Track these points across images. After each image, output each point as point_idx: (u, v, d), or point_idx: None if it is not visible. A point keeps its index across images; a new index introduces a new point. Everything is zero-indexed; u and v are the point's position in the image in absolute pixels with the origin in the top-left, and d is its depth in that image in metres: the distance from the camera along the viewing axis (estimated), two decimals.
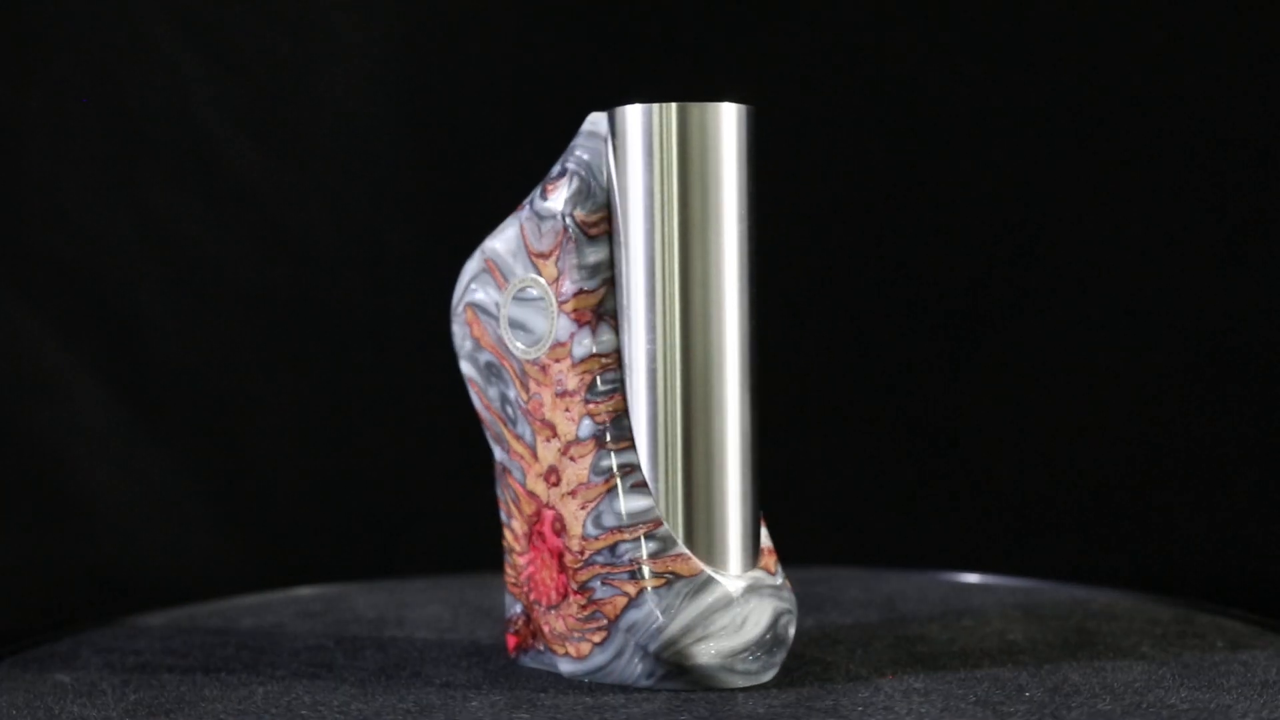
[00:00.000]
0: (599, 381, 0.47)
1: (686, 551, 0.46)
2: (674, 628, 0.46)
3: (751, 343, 0.47)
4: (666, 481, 0.46)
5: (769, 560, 0.47)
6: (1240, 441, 0.76)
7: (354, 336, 0.78)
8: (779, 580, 0.47)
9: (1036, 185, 0.77)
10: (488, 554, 0.71)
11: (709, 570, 0.46)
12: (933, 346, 0.78)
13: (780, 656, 0.47)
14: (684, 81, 0.76)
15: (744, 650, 0.46)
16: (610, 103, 0.47)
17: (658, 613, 0.46)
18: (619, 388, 0.47)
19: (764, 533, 0.47)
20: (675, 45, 0.78)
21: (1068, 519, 0.77)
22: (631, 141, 0.46)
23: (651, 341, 0.46)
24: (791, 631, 0.47)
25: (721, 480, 0.46)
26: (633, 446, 0.46)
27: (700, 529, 0.46)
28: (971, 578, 0.65)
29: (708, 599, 0.46)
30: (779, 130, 0.78)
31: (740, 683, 0.46)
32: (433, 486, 0.78)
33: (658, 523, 0.46)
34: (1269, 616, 0.55)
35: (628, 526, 0.46)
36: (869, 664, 0.50)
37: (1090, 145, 0.77)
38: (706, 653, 0.46)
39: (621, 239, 0.46)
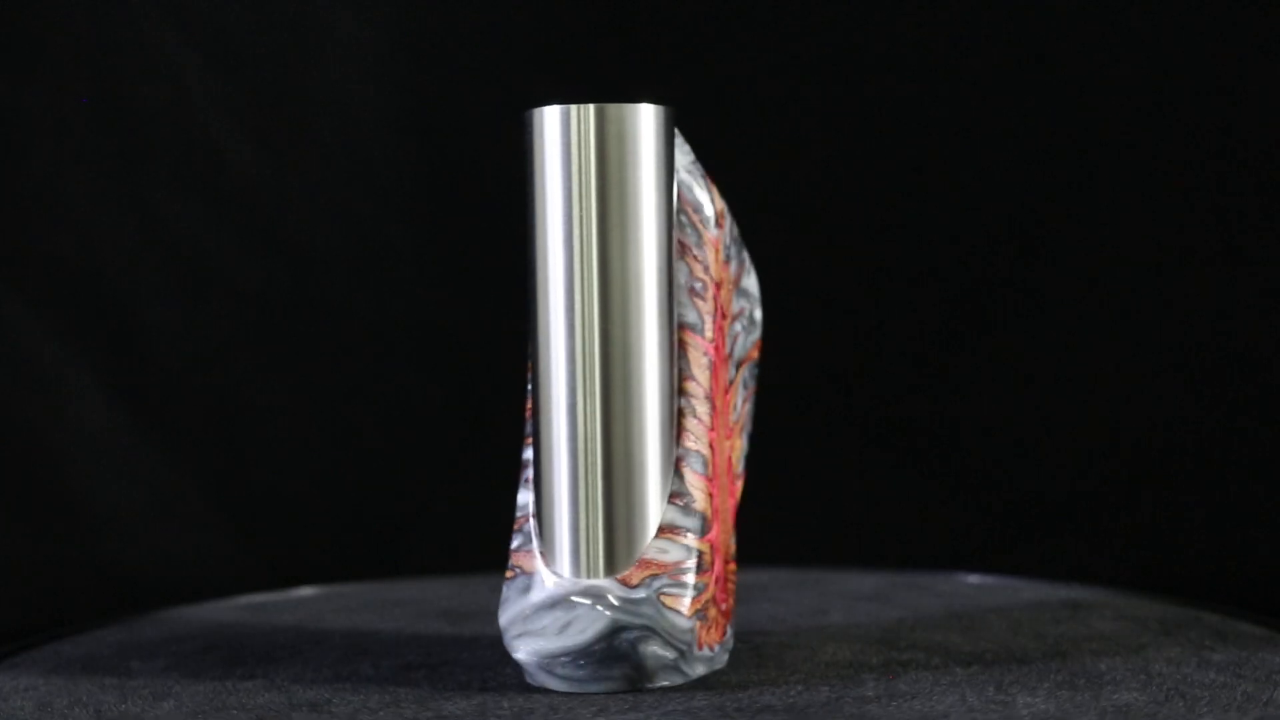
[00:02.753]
0: (528, 380, 0.48)
1: (535, 548, 0.46)
2: (501, 620, 0.46)
3: (670, 346, 0.47)
4: (541, 479, 0.47)
5: (636, 573, 0.46)
6: (1238, 441, 0.76)
7: (354, 336, 0.78)
8: (637, 595, 0.45)
9: (1033, 185, 0.77)
10: (488, 554, 0.71)
11: (549, 570, 0.46)
12: (929, 346, 0.78)
13: (620, 671, 0.46)
14: (692, 80, 0.76)
15: (562, 655, 0.45)
16: (612, 102, 0.48)
17: (500, 603, 0.47)
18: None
19: (664, 544, 0.46)
20: (679, 44, 0.78)
21: (1064, 519, 0.77)
22: (550, 143, 0.46)
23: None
24: (646, 650, 0.46)
25: (586, 483, 0.46)
26: (530, 443, 0.47)
27: (550, 528, 0.46)
28: (970, 578, 0.65)
29: (535, 597, 0.46)
30: (778, 129, 0.78)
31: (560, 687, 0.46)
32: (433, 486, 0.78)
33: (526, 518, 0.47)
34: (1266, 615, 0.55)
35: (515, 519, 0.47)
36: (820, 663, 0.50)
37: (1085, 145, 0.77)
38: (524, 649, 0.46)
39: (538, 240, 0.47)
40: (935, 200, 0.78)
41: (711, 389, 0.48)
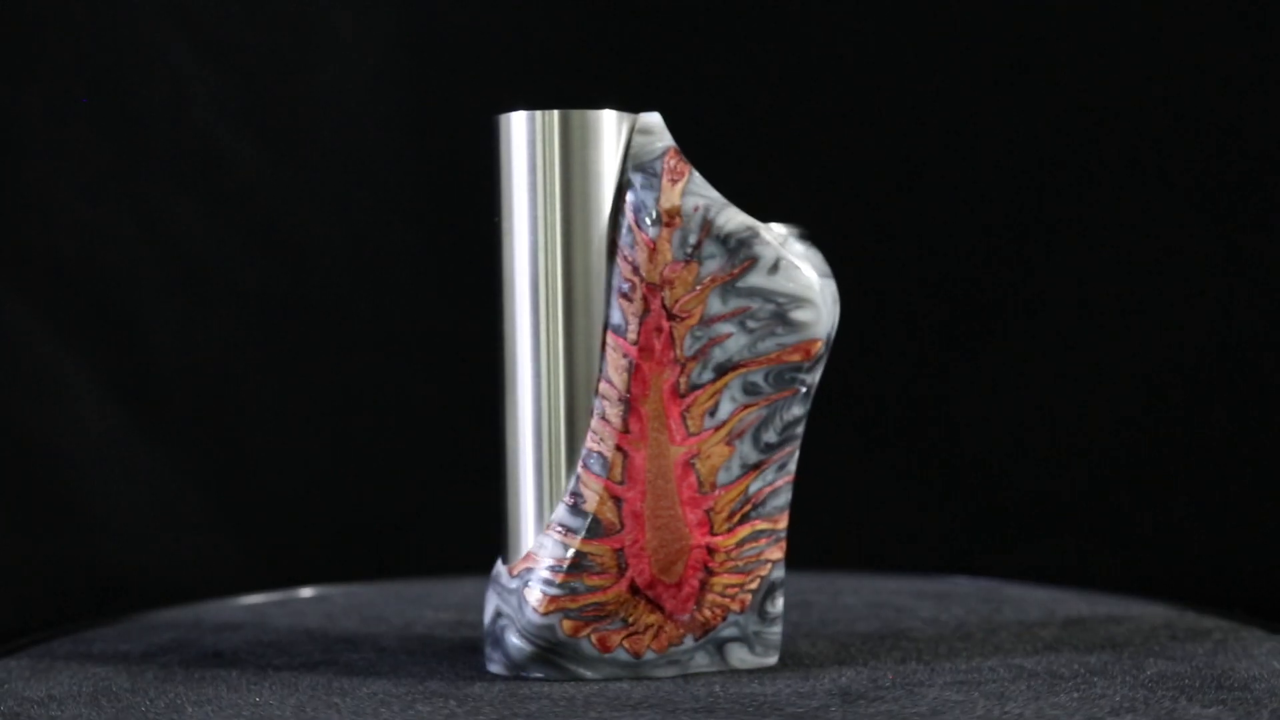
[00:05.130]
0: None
1: None
2: None
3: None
4: (504, 469, 0.49)
5: (519, 565, 0.48)
6: (1238, 441, 0.76)
7: (354, 336, 0.78)
8: (512, 585, 0.48)
9: (1031, 186, 0.77)
10: (489, 554, 0.71)
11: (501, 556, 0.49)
12: (929, 346, 0.78)
13: (499, 655, 0.48)
14: (693, 80, 0.76)
15: (483, 633, 0.49)
16: (608, 103, 0.48)
17: None
18: None
19: (545, 540, 0.47)
20: (681, 44, 0.78)
21: (1064, 519, 0.77)
22: (516, 147, 0.48)
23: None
24: (509, 640, 0.48)
25: (536, 477, 0.48)
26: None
27: (501, 517, 0.49)
28: (969, 580, 0.65)
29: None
30: (777, 129, 0.78)
31: (487, 665, 0.49)
32: (433, 486, 0.78)
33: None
34: (1262, 617, 0.55)
35: None
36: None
37: (1085, 145, 0.77)
38: None
39: (504, 242, 0.49)
40: (935, 200, 0.78)
41: (632, 392, 0.48)
